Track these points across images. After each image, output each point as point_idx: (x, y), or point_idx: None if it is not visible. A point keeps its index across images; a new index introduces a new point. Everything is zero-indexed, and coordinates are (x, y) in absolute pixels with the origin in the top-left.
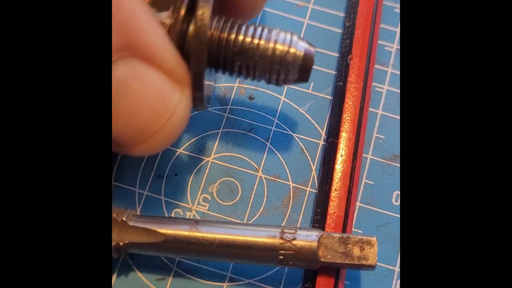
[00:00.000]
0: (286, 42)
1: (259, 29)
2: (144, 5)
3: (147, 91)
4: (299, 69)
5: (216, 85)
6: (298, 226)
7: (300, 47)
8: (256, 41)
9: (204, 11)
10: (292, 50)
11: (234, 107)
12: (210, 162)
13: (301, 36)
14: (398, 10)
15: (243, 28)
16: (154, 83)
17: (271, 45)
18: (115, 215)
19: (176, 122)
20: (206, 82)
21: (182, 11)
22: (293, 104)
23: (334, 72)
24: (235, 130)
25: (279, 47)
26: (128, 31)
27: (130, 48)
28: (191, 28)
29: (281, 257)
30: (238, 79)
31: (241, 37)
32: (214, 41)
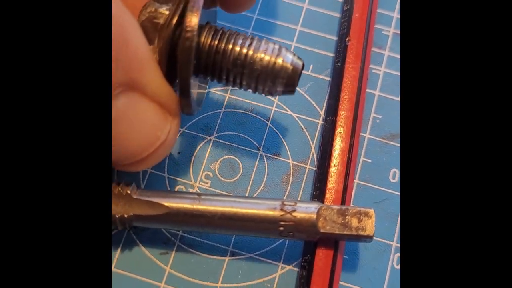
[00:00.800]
0: (274, 53)
1: (249, 40)
2: (146, 44)
3: (142, 122)
4: (286, 81)
5: None
6: None
7: (287, 59)
8: (244, 50)
9: (192, 19)
10: (279, 61)
11: (235, 88)
12: (212, 141)
13: (300, 21)
14: None
15: (233, 37)
16: (149, 114)
17: (259, 55)
18: (120, 189)
19: (165, 147)
20: (197, 90)
21: (175, 17)
22: None
23: (332, 55)
24: (237, 110)
25: (267, 58)
26: (131, 69)
27: (131, 83)
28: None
29: (281, 228)
30: None
31: (230, 46)
32: (203, 48)
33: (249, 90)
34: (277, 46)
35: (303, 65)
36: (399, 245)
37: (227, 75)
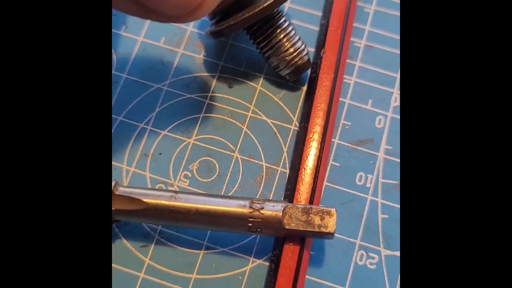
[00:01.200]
0: (298, 49)
1: (290, 28)
2: None
3: None
4: (294, 69)
5: (198, 74)
6: None
7: (304, 56)
8: (283, 34)
9: None
10: (297, 54)
11: (214, 94)
12: (191, 143)
13: None
14: (369, 10)
15: (283, 18)
16: None
17: (289, 44)
18: None
19: None
20: None
21: None
22: (268, 93)
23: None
24: (215, 115)
25: (292, 49)
26: None
27: None
28: None
29: (250, 224)
30: (221, 64)
31: (278, 23)
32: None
33: (266, 58)
34: (303, 46)
35: (310, 65)
36: (362, 243)
37: (262, 37)
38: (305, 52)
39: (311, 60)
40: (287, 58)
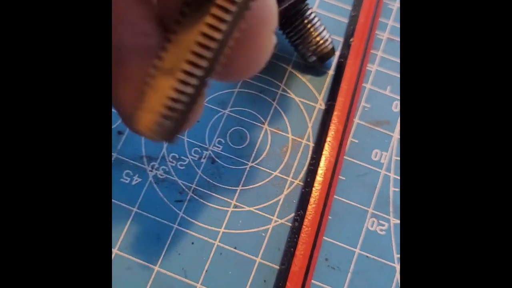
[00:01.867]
0: (323, 38)
1: (316, 19)
2: None
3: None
4: (319, 56)
5: None
6: (293, 170)
7: (329, 45)
8: (309, 25)
9: None
10: (323, 43)
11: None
12: (226, 114)
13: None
14: (392, 7)
15: (309, 10)
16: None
17: (316, 33)
18: None
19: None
20: None
21: None
22: (297, 74)
23: (337, 53)
24: (249, 91)
25: (318, 38)
26: None
27: None
28: None
29: None
30: None
31: (305, 14)
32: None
33: (294, 46)
34: (328, 35)
35: (333, 53)
36: (374, 211)
37: (290, 28)
38: (329, 41)
39: (339, 48)
40: (313, 46)
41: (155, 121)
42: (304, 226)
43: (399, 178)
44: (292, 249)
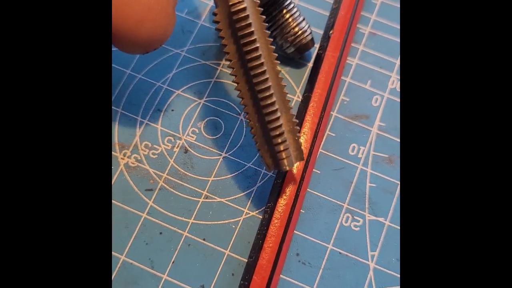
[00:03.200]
0: (302, 28)
1: (295, 9)
2: None
3: None
4: (298, 47)
5: (214, 44)
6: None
7: (307, 36)
8: (288, 15)
9: None
10: (301, 34)
11: (226, 63)
12: (201, 104)
13: None
14: (376, 1)
15: (288, 1)
16: None
17: (294, 23)
18: None
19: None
20: None
21: None
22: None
23: (317, 45)
24: (225, 81)
25: (296, 29)
26: None
27: None
28: None
29: None
30: None
31: (284, 5)
32: None
33: (272, 37)
34: (307, 26)
35: (313, 45)
36: (349, 207)
37: (268, 18)
38: (308, 32)
39: (319, 39)
40: (291, 37)
41: (284, 165)
42: (273, 219)
43: (376, 173)
44: (260, 241)
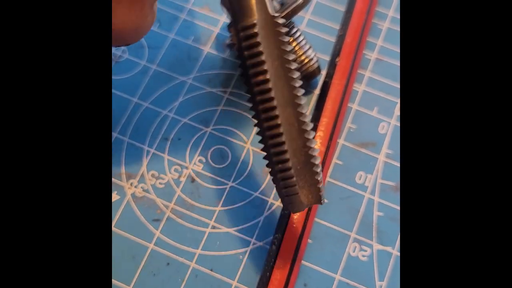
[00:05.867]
0: (309, 56)
1: (301, 37)
2: None
3: None
4: (305, 74)
5: (220, 71)
6: (274, 191)
7: (314, 64)
8: (294, 43)
9: None
10: (308, 61)
11: (233, 90)
12: (208, 132)
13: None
14: (382, 27)
15: (295, 29)
16: None
17: (301, 51)
18: None
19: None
20: None
21: None
22: None
23: (323, 72)
24: (232, 109)
25: (303, 57)
26: None
27: None
28: None
29: None
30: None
31: (291, 34)
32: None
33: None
34: (313, 54)
35: (319, 73)
36: (356, 236)
37: None
38: (314, 60)
39: (326, 67)
40: (298, 65)
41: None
42: (281, 251)
43: (383, 202)
44: (268, 273)
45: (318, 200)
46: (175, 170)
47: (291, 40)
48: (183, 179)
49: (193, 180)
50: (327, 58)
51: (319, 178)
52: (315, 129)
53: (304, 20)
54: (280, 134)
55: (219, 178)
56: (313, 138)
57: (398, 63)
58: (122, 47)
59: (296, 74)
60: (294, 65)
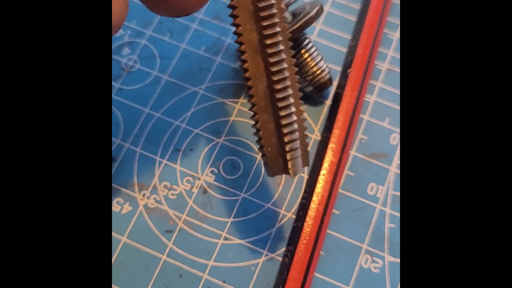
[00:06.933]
0: (320, 67)
1: (313, 49)
2: None
3: None
4: (317, 86)
5: (232, 82)
6: (286, 203)
7: (326, 75)
8: (307, 54)
9: None
10: (319, 73)
11: (244, 101)
12: (220, 143)
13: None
14: (392, 37)
15: (308, 41)
16: None
17: (313, 63)
18: None
19: None
20: None
21: None
22: None
23: (335, 82)
24: (243, 119)
25: (315, 68)
26: None
27: None
28: None
29: None
30: None
31: (303, 44)
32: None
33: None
34: (325, 65)
35: (331, 83)
36: (368, 248)
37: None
38: (326, 71)
39: (338, 78)
40: (310, 76)
41: (293, 167)
42: (294, 263)
43: (395, 213)
44: (281, 286)
45: (284, 169)
46: (187, 181)
47: (303, 52)
48: (195, 190)
49: (205, 191)
50: (338, 68)
51: (289, 147)
52: (327, 141)
53: (315, 30)
54: (287, 88)
55: (231, 189)
56: (291, 105)
57: None
58: (134, 57)
59: (275, 49)
60: (273, 39)
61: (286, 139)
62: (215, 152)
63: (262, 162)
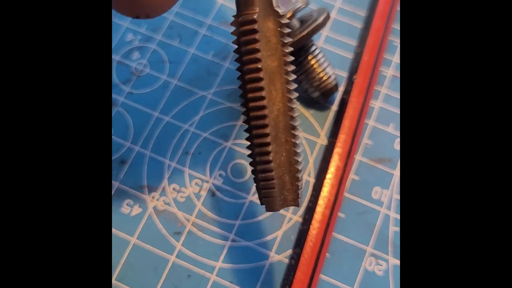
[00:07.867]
0: (327, 74)
1: (320, 55)
2: None
3: None
4: (323, 92)
5: None
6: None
7: (333, 81)
8: (314, 60)
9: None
10: (326, 79)
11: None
12: (228, 147)
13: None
14: (397, 44)
15: (314, 46)
16: None
17: (320, 69)
18: None
19: None
20: None
21: None
22: (301, 108)
23: (341, 88)
24: None
25: (322, 74)
26: None
27: None
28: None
29: None
30: None
31: (310, 50)
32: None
33: (298, 82)
34: (332, 71)
35: (337, 89)
36: (373, 251)
37: (295, 63)
38: (333, 78)
39: (344, 83)
40: (317, 82)
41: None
42: (300, 265)
43: (399, 217)
44: (287, 287)
45: (295, 201)
46: (196, 184)
47: (310, 58)
48: (203, 193)
49: (213, 194)
50: (344, 74)
51: (299, 177)
52: (333, 146)
53: (322, 37)
54: (266, 129)
55: (238, 192)
56: (298, 136)
57: None
58: (144, 62)
59: (292, 77)
60: (291, 67)
61: (299, 167)
62: (223, 156)
63: (262, 197)
